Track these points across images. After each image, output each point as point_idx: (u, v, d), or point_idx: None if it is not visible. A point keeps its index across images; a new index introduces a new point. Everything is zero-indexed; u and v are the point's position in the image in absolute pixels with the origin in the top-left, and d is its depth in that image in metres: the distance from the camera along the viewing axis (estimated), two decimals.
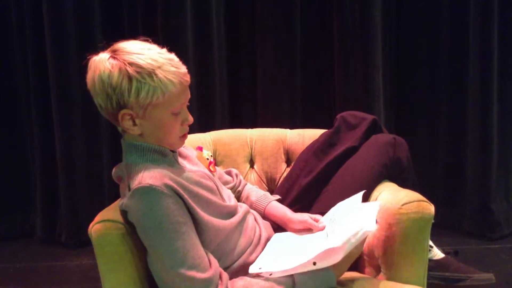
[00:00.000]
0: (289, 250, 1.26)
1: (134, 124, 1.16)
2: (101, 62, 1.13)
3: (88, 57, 1.17)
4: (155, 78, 1.10)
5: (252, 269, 1.19)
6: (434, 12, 2.70)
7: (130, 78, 1.10)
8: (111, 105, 1.13)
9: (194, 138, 1.79)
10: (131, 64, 1.10)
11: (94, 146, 2.77)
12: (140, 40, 1.19)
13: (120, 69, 1.10)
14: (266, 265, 1.19)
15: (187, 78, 1.18)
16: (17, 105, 2.87)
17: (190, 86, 1.23)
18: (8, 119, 2.89)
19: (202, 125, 2.46)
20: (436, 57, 2.73)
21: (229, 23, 2.76)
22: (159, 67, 1.11)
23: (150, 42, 1.18)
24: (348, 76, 2.70)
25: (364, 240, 1.19)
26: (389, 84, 2.78)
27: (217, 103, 2.71)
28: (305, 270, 1.14)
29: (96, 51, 1.17)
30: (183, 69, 1.18)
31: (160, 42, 1.21)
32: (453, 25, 2.67)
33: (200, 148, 1.45)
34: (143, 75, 1.10)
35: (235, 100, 2.82)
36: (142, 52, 1.13)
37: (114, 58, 1.12)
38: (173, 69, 1.14)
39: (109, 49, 1.16)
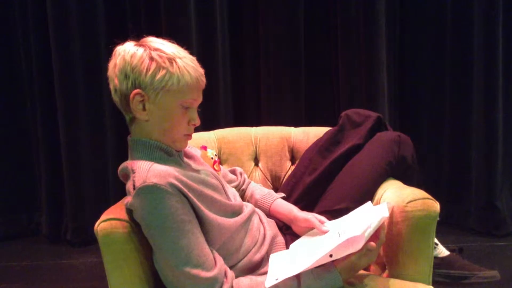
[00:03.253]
0: (299, 255, 1.25)
1: (144, 108, 1.18)
2: (127, 46, 1.19)
3: (114, 45, 1.22)
4: (174, 64, 1.16)
5: (268, 283, 1.15)
6: (438, 9, 2.70)
7: (151, 59, 1.16)
8: (126, 85, 1.18)
9: (199, 137, 1.79)
10: (155, 49, 1.17)
11: (99, 144, 2.78)
12: (168, 40, 1.25)
13: (144, 51, 1.17)
14: (281, 274, 1.17)
15: (203, 79, 1.23)
16: (22, 105, 2.89)
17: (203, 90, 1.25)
18: (12, 119, 2.90)
19: (206, 123, 2.45)
20: (441, 54, 2.72)
21: (232, 22, 2.76)
22: (180, 58, 1.18)
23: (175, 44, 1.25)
24: (352, 74, 2.70)
25: (377, 251, 1.19)
26: (393, 81, 2.78)
27: (221, 102, 2.72)
28: (322, 263, 1.14)
29: (123, 42, 1.23)
30: (201, 70, 1.23)
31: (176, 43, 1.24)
32: (457, 22, 2.67)
33: (204, 148, 1.45)
34: (164, 60, 1.16)
35: (240, 99, 2.82)
36: (168, 44, 1.21)
37: (140, 45, 1.19)
38: (193, 64, 1.20)
39: (136, 40, 1.22)
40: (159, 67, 1.15)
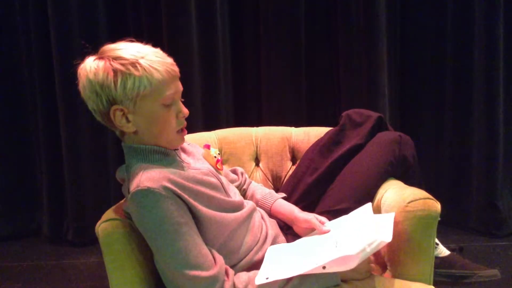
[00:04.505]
0: (294, 258, 1.24)
1: (128, 120, 1.16)
2: (87, 65, 1.15)
3: (75, 65, 1.18)
4: (139, 67, 1.11)
5: (258, 280, 1.15)
6: (438, 8, 2.69)
7: (115, 71, 1.11)
8: (102, 104, 1.14)
9: (200, 137, 1.80)
10: (115, 58, 1.12)
11: (100, 144, 2.78)
12: (127, 41, 1.19)
13: (104, 65, 1.12)
14: (272, 273, 1.16)
15: (175, 68, 1.18)
16: (22, 104, 2.89)
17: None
18: (14, 118, 2.90)
19: (207, 123, 2.47)
20: (441, 54, 2.72)
21: (233, 22, 2.76)
22: (142, 57, 1.13)
23: (136, 42, 1.20)
24: (353, 73, 2.70)
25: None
26: (394, 81, 2.78)
27: (222, 102, 2.71)
28: (314, 272, 1.13)
29: (83, 58, 1.18)
30: (169, 59, 1.18)
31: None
32: (458, 21, 2.65)
33: (207, 146, 1.45)
34: (127, 67, 1.11)
35: (240, 99, 2.82)
36: (126, 47, 1.15)
37: (100, 58, 1.14)
38: (158, 58, 1.15)
39: (96, 53, 1.17)
40: (125, 76, 1.11)
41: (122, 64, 1.11)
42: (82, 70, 1.16)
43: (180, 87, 1.21)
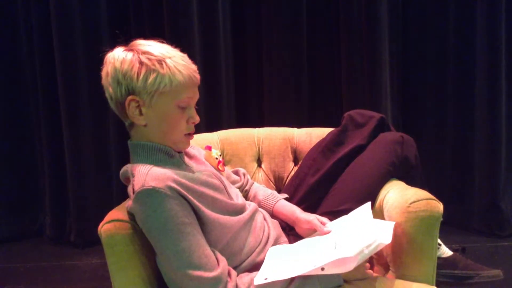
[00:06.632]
0: (294, 259, 1.24)
1: (141, 113, 1.19)
2: (116, 53, 1.19)
3: (104, 52, 1.22)
4: (164, 65, 1.15)
5: (257, 281, 1.15)
6: (440, 9, 2.69)
7: (141, 63, 1.15)
8: (120, 92, 1.17)
9: (202, 138, 1.80)
10: (144, 52, 1.17)
11: (102, 145, 2.78)
12: (157, 41, 1.24)
13: (132, 57, 1.16)
14: (271, 274, 1.17)
15: (197, 75, 1.23)
16: (25, 105, 2.90)
17: (199, 87, 1.25)
18: (16, 119, 2.91)
19: (209, 124, 2.47)
20: (443, 54, 2.72)
21: (235, 23, 2.77)
22: (169, 57, 1.17)
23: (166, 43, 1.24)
24: (355, 74, 2.70)
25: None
26: (396, 82, 2.78)
27: (224, 103, 2.72)
28: (313, 274, 1.13)
29: (112, 47, 1.22)
30: (193, 66, 1.23)
31: (166, 42, 1.24)
32: (460, 21, 2.66)
33: (209, 148, 1.45)
34: (154, 62, 1.15)
35: (242, 100, 2.83)
36: (156, 45, 1.20)
37: (129, 50, 1.18)
38: (183, 62, 1.20)
39: (125, 45, 1.22)
40: (149, 71, 1.15)
41: (149, 59, 1.15)
42: (110, 57, 1.20)
43: (197, 94, 1.25)
